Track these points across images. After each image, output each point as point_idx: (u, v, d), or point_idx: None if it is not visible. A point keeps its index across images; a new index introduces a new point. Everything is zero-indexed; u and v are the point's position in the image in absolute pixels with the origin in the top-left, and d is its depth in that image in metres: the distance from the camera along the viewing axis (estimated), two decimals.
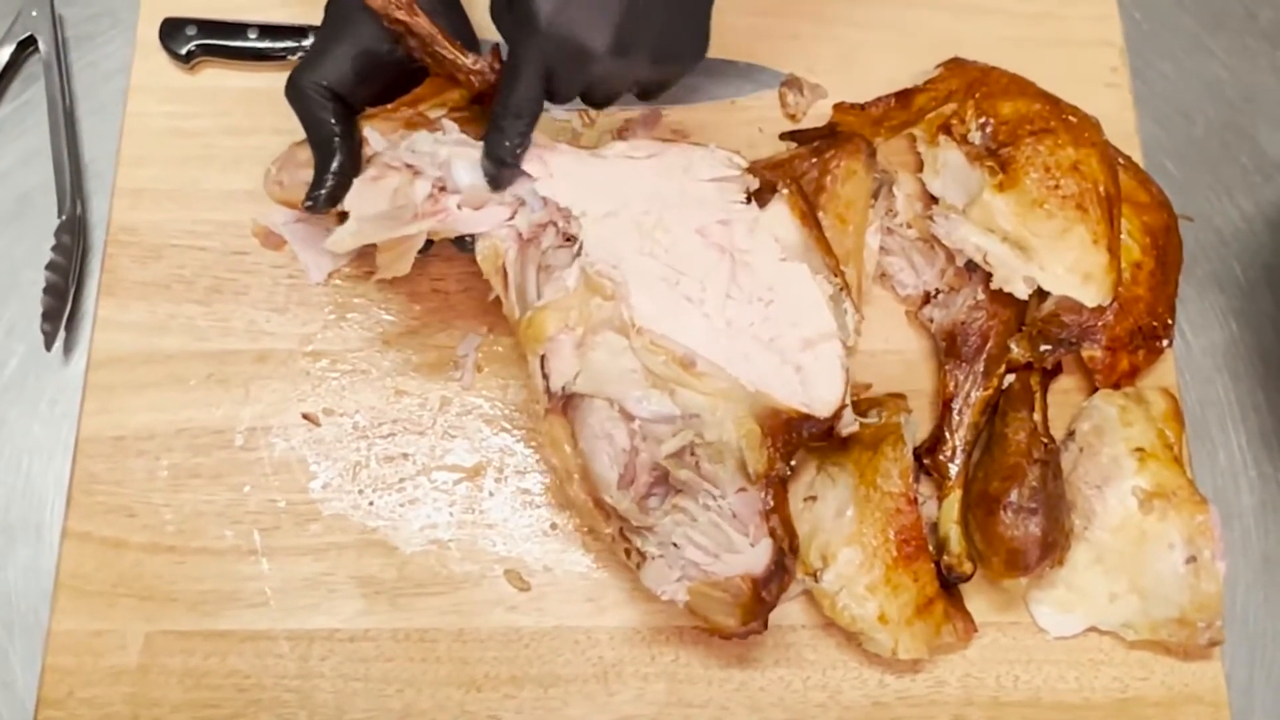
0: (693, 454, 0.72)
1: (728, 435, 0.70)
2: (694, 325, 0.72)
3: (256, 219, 0.83)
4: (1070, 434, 0.81)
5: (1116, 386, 0.81)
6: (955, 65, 0.87)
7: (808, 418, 0.71)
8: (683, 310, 0.72)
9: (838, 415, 0.72)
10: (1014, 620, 0.79)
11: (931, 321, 0.83)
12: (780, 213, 0.76)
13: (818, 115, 0.88)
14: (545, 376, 0.73)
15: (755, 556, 0.70)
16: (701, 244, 0.74)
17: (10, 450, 0.82)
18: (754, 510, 0.71)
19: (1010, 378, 0.80)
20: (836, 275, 0.75)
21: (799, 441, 0.72)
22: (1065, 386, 0.84)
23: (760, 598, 0.70)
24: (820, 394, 0.72)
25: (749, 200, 0.76)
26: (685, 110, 0.88)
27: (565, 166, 0.75)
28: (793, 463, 0.72)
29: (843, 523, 0.75)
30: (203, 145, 0.86)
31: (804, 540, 0.76)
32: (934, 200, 0.84)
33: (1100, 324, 0.80)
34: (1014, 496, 0.75)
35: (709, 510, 0.72)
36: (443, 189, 0.73)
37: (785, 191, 0.76)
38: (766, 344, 0.72)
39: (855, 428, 0.74)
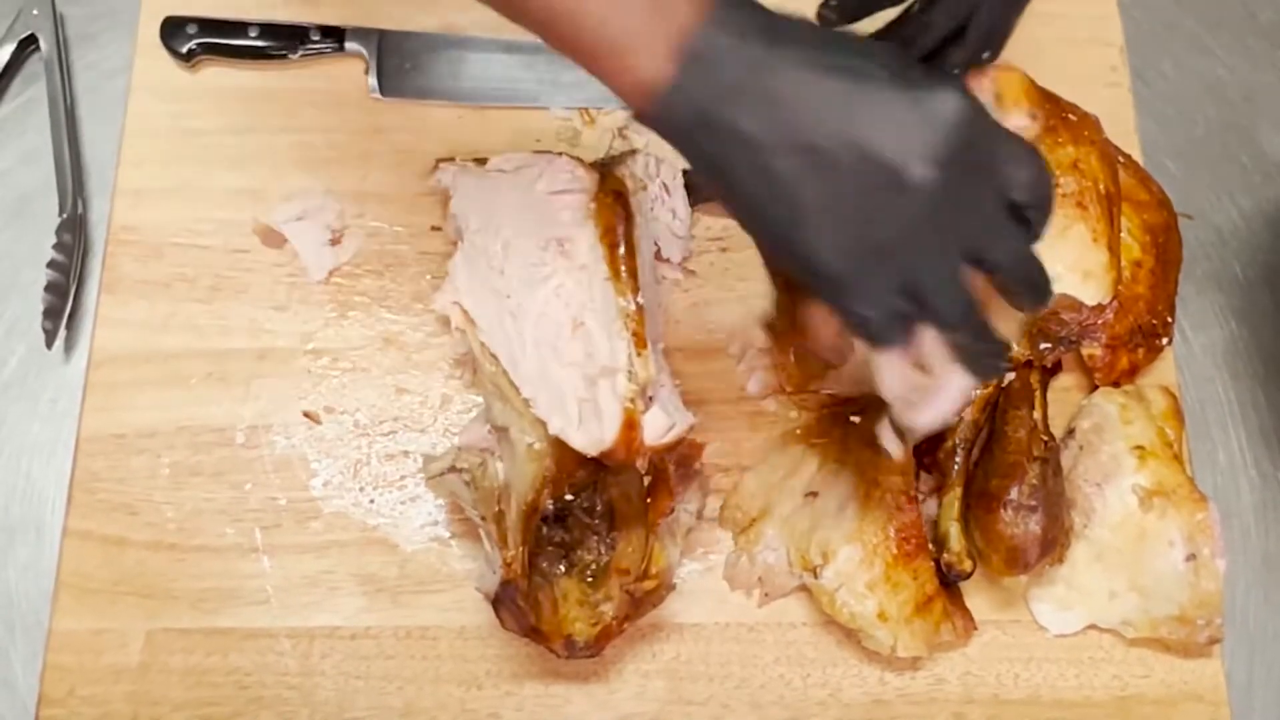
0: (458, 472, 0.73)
1: (519, 454, 0.70)
2: (509, 341, 0.72)
3: (257, 217, 0.84)
4: (1070, 432, 0.81)
5: (1116, 384, 0.82)
6: None
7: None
8: (504, 325, 0.72)
9: (624, 455, 0.69)
10: (1014, 618, 0.79)
11: None
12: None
13: None
14: None
15: (494, 581, 0.71)
16: (534, 260, 0.73)
17: (11, 449, 0.82)
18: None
19: (1010, 375, 0.80)
20: (628, 302, 0.72)
21: (592, 474, 0.71)
22: (1065, 384, 0.84)
23: (500, 620, 0.71)
24: (591, 430, 0.69)
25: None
26: None
27: (465, 184, 0.78)
28: (568, 496, 0.71)
29: (843, 520, 0.75)
30: (204, 144, 0.86)
31: (804, 536, 0.76)
32: None
33: (1100, 322, 0.80)
34: (1014, 494, 0.75)
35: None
36: None
37: (592, 206, 0.74)
38: (566, 368, 0.70)
39: (644, 474, 0.72)
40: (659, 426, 0.69)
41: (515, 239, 0.74)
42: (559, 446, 0.69)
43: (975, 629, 0.77)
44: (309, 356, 0.82)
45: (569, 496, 0.72)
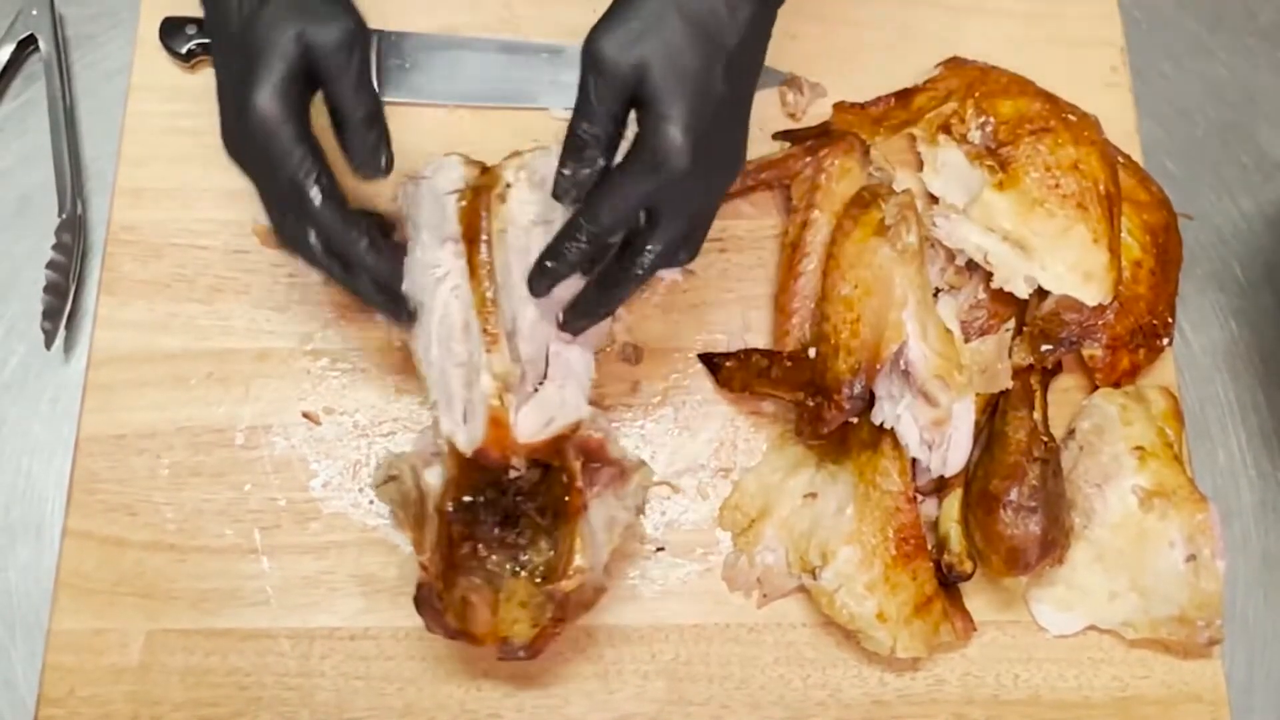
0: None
1: (442, 457, 0.71)
2: (423, 343, 0.74)
3: (257, 218, 0.84)
4: (1070, 432, 0.81)
5: (1117, 385, 0.82)
6: (955, 65, 0.87)
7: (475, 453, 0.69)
8: (425, 327, 0.73)
9: (497, 454, 0.69)
10: (1014, 619, 0.79)
11: None
12: None
13: (817, 114, 0.88)
14: None
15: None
16: (433, 261, 0.74)
17: (10, 449, 0.82)
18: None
19: (1009, 381, 0.80)
20: (477, 296, 0.72)
21: (491, 476, 0.71)
22: (1065, 385, 0.84)
23: (426, 624, 0.71)
24: (472, 430, 0.70)
25: None
26: None
27: (408, 193, 0.78)
28: (482, 498, 0.71)
29: (842, 521, 0.75)
30: (203, 144, 0.85)
31: (803, 537, 0.77)
32: (934, 200, 0.84)
33: (1101, 323, 0.80)
34: (1014, 495, 0.75)
35: None
36: None
37: (462, 204, 0.75)
38: (456, 368, 0.71)
39: (521, 475, 0.71)
40: (533, 423, 0.69)
41: (427, 241, 0.74)
42: (454, 448, 0.70)
43: (975, 630, 0.77)
44: (309, 357, 0.82)
45: (467, 499, 0.71)
